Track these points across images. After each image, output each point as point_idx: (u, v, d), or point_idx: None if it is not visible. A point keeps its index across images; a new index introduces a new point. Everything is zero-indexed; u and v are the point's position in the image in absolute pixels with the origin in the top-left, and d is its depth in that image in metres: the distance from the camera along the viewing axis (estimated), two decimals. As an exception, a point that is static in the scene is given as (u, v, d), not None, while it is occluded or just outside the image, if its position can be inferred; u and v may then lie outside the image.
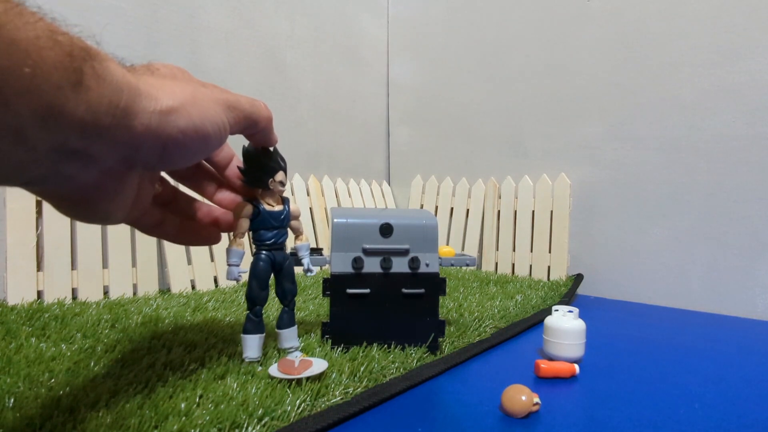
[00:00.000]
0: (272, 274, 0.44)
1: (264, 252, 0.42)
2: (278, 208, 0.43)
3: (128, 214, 0.28)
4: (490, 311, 0.65)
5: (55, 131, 0.18)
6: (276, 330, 0.45)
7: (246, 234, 0.42)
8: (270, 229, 0.42)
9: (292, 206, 0.44)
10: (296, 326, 0.46)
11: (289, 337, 0.45)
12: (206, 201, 0.40)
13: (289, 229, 0.45)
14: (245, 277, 0.42)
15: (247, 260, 0.41)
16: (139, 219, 0.32)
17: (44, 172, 0.20)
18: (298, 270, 0.46)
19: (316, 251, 0.50)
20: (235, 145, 0.38)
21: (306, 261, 0.46)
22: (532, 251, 1.00)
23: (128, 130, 0.21)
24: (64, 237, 0.68)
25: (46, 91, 0.17)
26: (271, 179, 0.41)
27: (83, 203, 0.23)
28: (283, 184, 0.42)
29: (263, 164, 0.41)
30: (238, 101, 0.29)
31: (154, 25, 0.79)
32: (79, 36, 0.19)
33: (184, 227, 0.36)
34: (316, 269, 0.47)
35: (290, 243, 0.46)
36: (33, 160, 0.19)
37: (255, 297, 0.42)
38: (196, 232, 0.37)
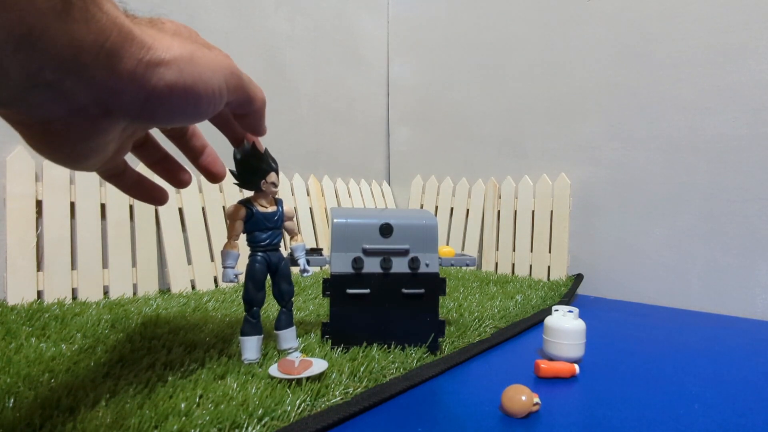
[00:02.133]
0: (269, 276, 0.44)
1: (259, 254, 0.43)
2: (272, 209, 0.43)
3: (103, 166, 0.27)
4: (490, 311, 0.65)
5: (30, 57, 0.17)
6: (274, 331, 0.45)
7: (239, 236, 0.42)
8: (264, 230, 0.42)
9: (286, 207, 0.45)
10: (294, 327, 0.46)
11: (288, 338, 0.45)
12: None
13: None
14: (242, 279, 0.43)
15: (243, 262, 0.41)
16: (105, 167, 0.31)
17: (11, 95, 0.19)
18: (294, 270, 0.46)
19: (316, 251, 0.50)
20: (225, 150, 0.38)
21: (302, 262, 0.46)
22: (532, 251, 1.00)
23: (109, 72, 0.20)
24: (64, 237, 0.68)
25: (27, 12, 0.16)
26: (263, 181, 0.41)
27: (49, 137, 0.22)
28: (275, 185, 0.42)
29: (254, 166, 0.41)
30: (240, 72, 0.28)
31: (154, 25, 0.79)
32: None
33: (139, 183, 0.34)
34: (312, 270, 0.47)
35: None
36: (1, 84, 0.18)
37: (252, 299, 0.42)
38: (148, 190, 0.35)
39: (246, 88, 0.29)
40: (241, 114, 0.32)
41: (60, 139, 0.22)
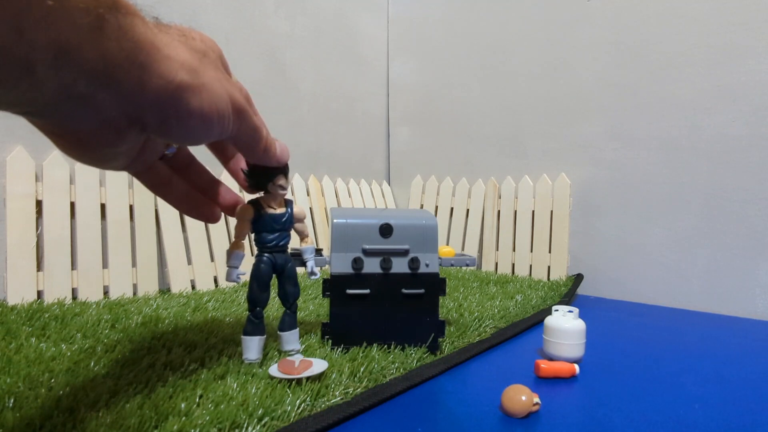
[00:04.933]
0: (275, 276, 0.44)
1: (265, 255, 0.43)
2: (280, 210, 0.43)
3: (130, 165, 0.28)
4: (490, 311, 0.65)
5: (65, 70, 0.18)
6: (277, 332, 0.45)
7: (246, 237, 0.42)
8: (271, 231, 0.42)
9: (296, 209, 0.44)
10: (298, 329, 0.45)
11: (291, 339, 0.45)
12: (222, 183, 0.40)
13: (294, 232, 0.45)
14: (246, 278, 0.42)
15: (249, 262, 0.41)
16: (144, 174, 0.32)
17: (47, 106, 0.20)
18: (301, 272, 0.46)
19: (316, 252, 0.50)
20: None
21: (310, 264, 0.46)
22: (532, 251, 1.00)
23: (139, 88, 0.21)
24: (64, 237, 0.68)
25: (64, 28, 0.17)
26: (270, 183, 0.41)
27: (79, 146, 0.23)
28: (283, 187, 0.42)
29: (263, 168, 0.41)
30: (248, 109, 0.29)
31: (154, 25, 0.79)
32: None
33: (189, 196, 0.36)
34: (320, 273, 0.47)
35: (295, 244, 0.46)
36: (37, 94, 0.19)
37: (255, 299, 0.42)
38: (198, 205, 0.37)
39: (250, 126, 0.30)
40: (245, 152, 0.34)
41: (89, 147, 0.23)
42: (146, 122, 0.23)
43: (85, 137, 0.22)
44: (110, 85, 0.20)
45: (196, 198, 0.37)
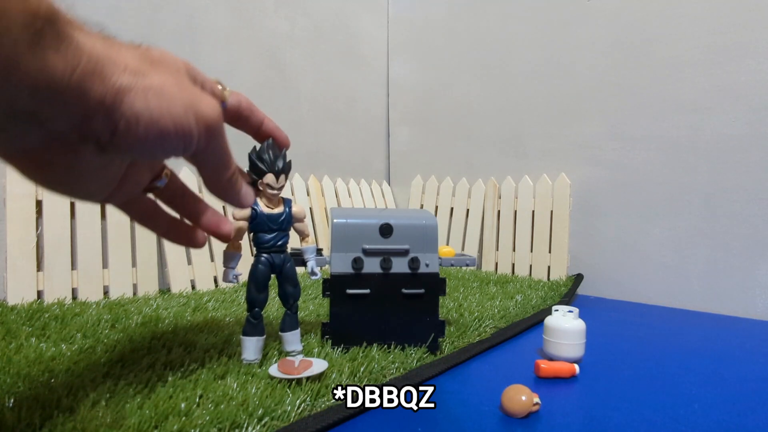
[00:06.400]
0: (275, 277, 0.44)
1: (263, 255, 0.42)
2: (278, 210, 0.43)
3: (111, 196, 0.27)
4: (490, 311, 0.65)
5: (5, 88, 0.18)
6: (279, 333, 0.45)
7: (242, 237, 0.42)
8: (268, 231, 0.42)
9: (295, 208, 0.44)
10: (299, 330, 0.45)
11: (292, 340, 0.45)
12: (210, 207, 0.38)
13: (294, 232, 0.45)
14: (245, 279, 0.42)
15: (249, 263, 0.41)
16: (129, 206, 0.31)
17: None
18: (301, 271, 0.46)
19: (316, 252, 0.50)
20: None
21: (311, 264, 0.46)
22: (532, 251, 1.00)
23: (81, 98, 0.20)
24: (64, 237, 0.68)
25: (2, 46, 0.17)
26: (259, 181, 0.41)
27: (35, 168, 0.22)
28: (271, 187, 0.41)
29: (253, 163, 0.41)
30: (218, 127, 0.26)
31: (154, 25, 0.79)
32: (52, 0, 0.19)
33: (176, 225, 0.34)
34: (321, 273, 0.46)
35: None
36: None
37: (253, 299, 0.42)
38: (186, 232, 0.35)
39: (221, 147, 0.27)
40: (209, 177, 0.29)
41: (46, 169, 0.22)
42: (98, 135, 0.22)
43: (37, 157, 0.22)
44: (53, 98, 0.19)
45: (184, 226, 0.35)
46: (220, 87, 0.31)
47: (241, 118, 0.34)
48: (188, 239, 0.35)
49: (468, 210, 1.12)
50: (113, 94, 0.21)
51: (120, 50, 0.22)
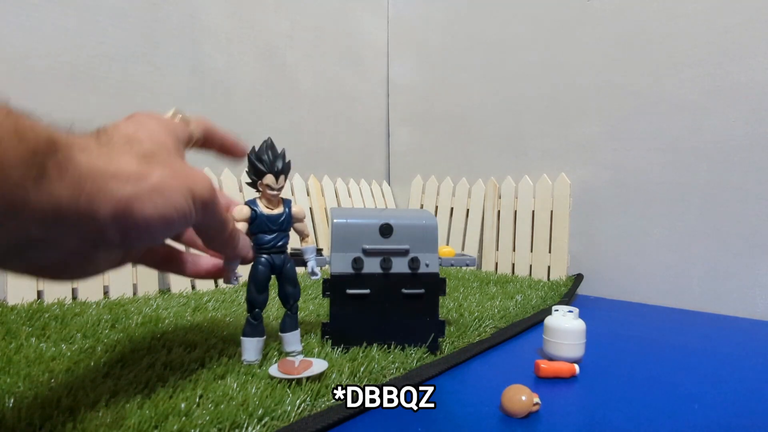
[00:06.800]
0: (275, 277, 0.44)
1: (263, 256, 0.42)
2: (277, 210, 0.43)
3: (123, 262, 0.29)
4: (490, 311, 0.65)
5: (16, 223, 0.18)
6: (279, 333, 0.45)
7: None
8: (268, 232, 0.42)
9: (295, 208, 0.44)
10: (299, 330, 0.45)
11: (292, 340, 0.44)
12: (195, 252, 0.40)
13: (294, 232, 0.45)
14: (244, 280, 0.42)
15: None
16: (143, 259, 0.34)
17: (7, 256, 0.20)
18: (301, 272, 0.46)
19: (316, 252, 0.50)
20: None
21: (311, 264, 0.46)
22: (532, 251, 1.00)
23: (91, 218, 0.21)
24: (64, 237, 0.67)
25: (6, 189, 0.17)
26: (258, 181, 0.41)
27: (58, 275, 0.24)
28: (270, 188, 0.41)
29: (252, 163, 0.41)
30: (212, 196, 0.28)
31: (154, 25, 0.79)
32: (48, 126, 0.19)
33: (168, 260, 0.37)
34: (321, 273, 0.46)
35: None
36: None
37: (253, 300, 0.42)
38: (178, 263, 0.38)
39: (217, 214, 0.30)
40: (209, 240, 0.33)
41: (60, 274, 0.24)
42: (110, 241, 0.23)
43: (58, 268, 0.23)
44: (63, 223, 0.20)
45: (177, 257, 0.37)
46: (186, 125, 0.32)
47: (207, 143, 0.35)
48: (217, 271, 0.39)
49: (468, 210, 1.12)
50: (122, 206, 0.22)
51: (118, 158, 0.23)
